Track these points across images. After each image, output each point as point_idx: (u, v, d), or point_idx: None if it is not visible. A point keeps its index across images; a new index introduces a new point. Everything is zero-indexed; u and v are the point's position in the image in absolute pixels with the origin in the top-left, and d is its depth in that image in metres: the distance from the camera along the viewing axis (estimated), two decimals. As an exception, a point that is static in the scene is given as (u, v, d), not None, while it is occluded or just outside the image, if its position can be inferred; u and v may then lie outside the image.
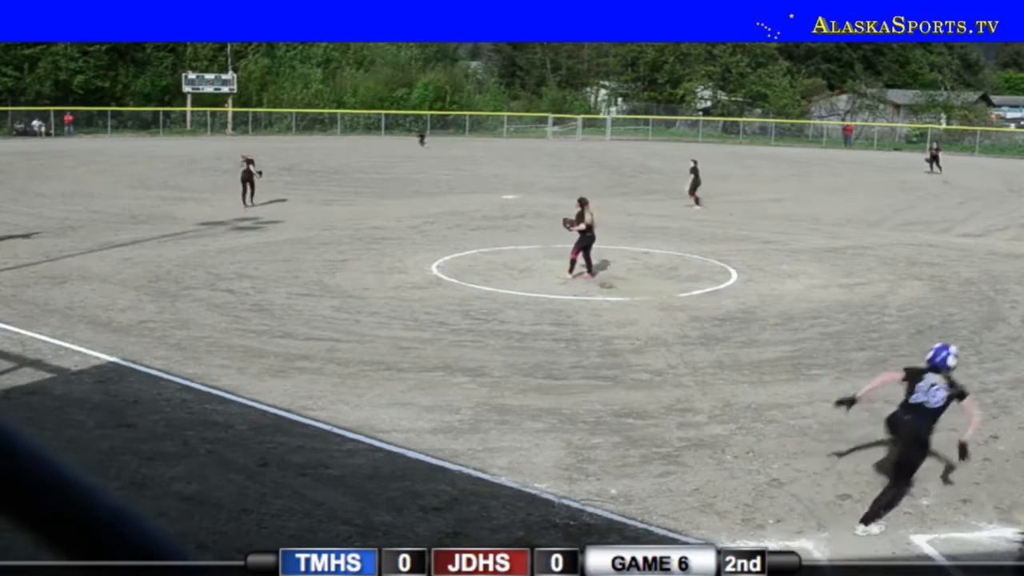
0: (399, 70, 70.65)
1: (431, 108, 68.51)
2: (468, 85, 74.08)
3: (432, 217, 27.61)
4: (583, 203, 18.61)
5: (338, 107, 67.52)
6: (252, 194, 28.46)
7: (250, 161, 28.57)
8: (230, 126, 65.00)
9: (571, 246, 18.86)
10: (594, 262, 19.19)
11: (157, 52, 65.80)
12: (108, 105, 63.23)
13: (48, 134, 57.90)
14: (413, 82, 70.17)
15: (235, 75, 65.53)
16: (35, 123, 54.84)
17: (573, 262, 18.77)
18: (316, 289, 17.85)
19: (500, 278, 19.01)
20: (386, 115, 66.73)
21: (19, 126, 59.11)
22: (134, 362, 13.09)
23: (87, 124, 62.37)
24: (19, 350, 13.57)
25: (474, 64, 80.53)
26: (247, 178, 28.38)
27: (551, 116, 69.77)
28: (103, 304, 16.38)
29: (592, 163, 47.05)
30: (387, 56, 70.88)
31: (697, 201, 30.86)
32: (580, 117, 69.61)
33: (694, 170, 30.87)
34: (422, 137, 60.00)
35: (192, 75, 64.91)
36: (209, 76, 65.20)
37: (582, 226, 18.45)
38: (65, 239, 22.83)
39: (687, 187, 31.17)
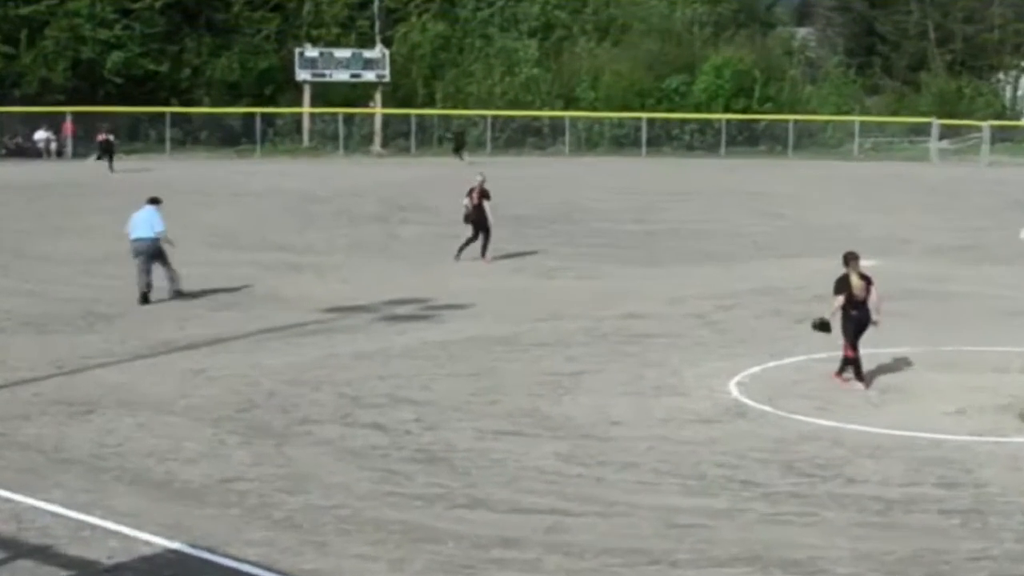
0: (671, 43, 48.49)
1: (727, 108, 47.57)
2: (792, 68, 50.93)
3: (730, 297, 20.85)
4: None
5: (566, 107, 47.39)
6: (487, 241, 22.55)
7: (483, 194, 22.49)
8: (378, 140, 44.91)
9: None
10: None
11: (250, 11, 44.33)
12: (167, 104, 43.91)
13: (60, 153, 41.95)
14: (696, 63, 48.76)
15: (386, 52, 44.67)
16: (38, 135, 39.81)
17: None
18: (528, 424, 13.51)
19: (848, 403, 14.32)
20: (648, 120, 46.25)
21: (12, 140, 42.90)
22: (211, 550, 9.54)
23: (129, 137, 42.87)
24: (12, 529, 9.74)
25: (802, 32, 56.26)
26: (480, 220, 22.50)
27: (936, 122, 48.32)
28: (158, 450, 12.31)
29: (1009, 202, 34.09)
30: (651, 19, 48.37)
31: None
32: (986, 124, 47.82)
33: None
34: (460, 140, 42.40)
35: (312, 51, 43.88)
36: (342, 53, 44.39)
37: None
38: (91, 335, 17.25)
39: None
